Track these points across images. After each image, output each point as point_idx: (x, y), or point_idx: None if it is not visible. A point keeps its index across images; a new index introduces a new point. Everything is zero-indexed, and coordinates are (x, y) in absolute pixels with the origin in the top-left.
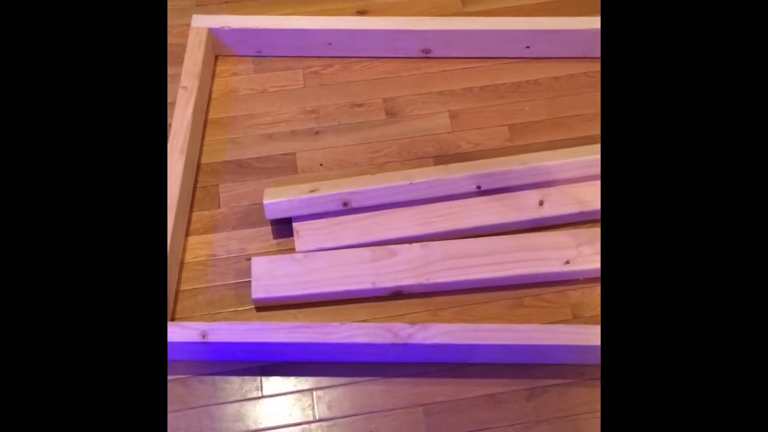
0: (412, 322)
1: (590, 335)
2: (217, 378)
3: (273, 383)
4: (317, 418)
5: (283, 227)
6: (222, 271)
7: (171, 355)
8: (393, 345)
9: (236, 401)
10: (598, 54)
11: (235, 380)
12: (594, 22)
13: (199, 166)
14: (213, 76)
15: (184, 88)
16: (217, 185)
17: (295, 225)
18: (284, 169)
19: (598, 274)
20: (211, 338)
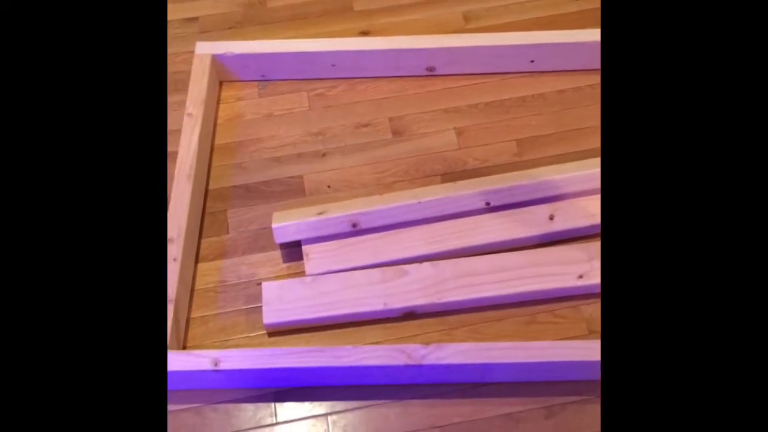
0: (426, 343)
1: None
2: (231, 406)
3: (287, 409)
4: None
5: (292, 251)
6: (232, 297)
7: (183, 383)
8: (407, 366)
9: (251, 429)
10: None
11: (249, 407)
12: (596, 35)
13: (206, 192)
14: (218, 102)
15: (190, 114)
16: (226, 211)
17: (304, 248)
18: (292, 192)
19: None
20: (224, 365)
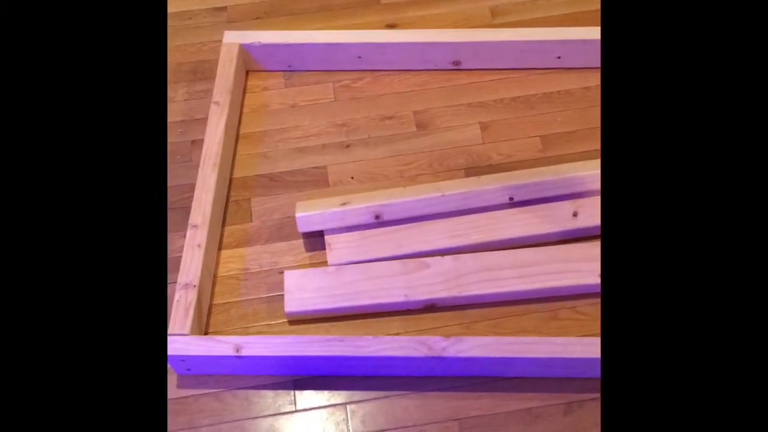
0: (446, 336)
1: None
2: (251, 392)
3: (306, 397)
4: None
5: (315, 240)
6: (254, 285)
7: (205, 369)
8: (427, 358)
9: (270, 415)
10: None
11: (269, 394)
12: None
13: (231, 180)
14: (244, 91)
15: (216, 103)
16: (249, 199)
17: (327, 238)
18: (315, 182)
19: None
20: (245, 352)
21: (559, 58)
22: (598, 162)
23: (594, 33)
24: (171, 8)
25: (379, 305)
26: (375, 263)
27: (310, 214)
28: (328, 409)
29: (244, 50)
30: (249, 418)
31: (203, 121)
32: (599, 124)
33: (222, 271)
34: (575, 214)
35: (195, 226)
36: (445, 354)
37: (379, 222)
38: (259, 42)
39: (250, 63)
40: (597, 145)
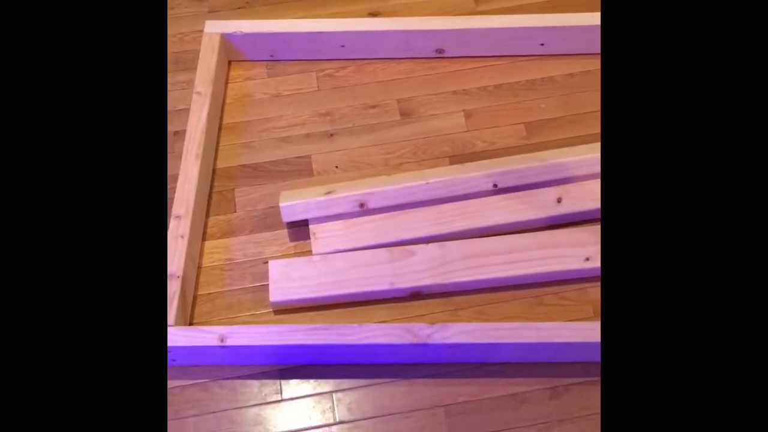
0: (432, 323)
1: None
2: (237, 382)
3: (292, 386)
4: (337, 420)
5: (299, 230)
6: (239, 275)
7: (190, 359)
8: (413, 345)
9: (256, 405)
10: None
11: (255, 384)
12: None
13: (214, 170)
14: (227, 82)
15: (199, 93)
16: (233, 189)
17: (311, 227)
18: (299, 172)
19: None
20: (230, 342)
21: (542, 45)
22: (581, 148)
23: (577, 19)
24: None
25: (365, 293)
26: (360, 251)
27: (294, 203)
28: (315, 398)
29: (226, 40)
30: (235, 408)
31: (185, 111)
32: (583, 111)
33: (206, 261)
34: (559, 200)
35: (178, 217)
36: (431, 341)
37: (363, 210)
38: (241, 31)
39: (232, 53)
40: (581, 131)
